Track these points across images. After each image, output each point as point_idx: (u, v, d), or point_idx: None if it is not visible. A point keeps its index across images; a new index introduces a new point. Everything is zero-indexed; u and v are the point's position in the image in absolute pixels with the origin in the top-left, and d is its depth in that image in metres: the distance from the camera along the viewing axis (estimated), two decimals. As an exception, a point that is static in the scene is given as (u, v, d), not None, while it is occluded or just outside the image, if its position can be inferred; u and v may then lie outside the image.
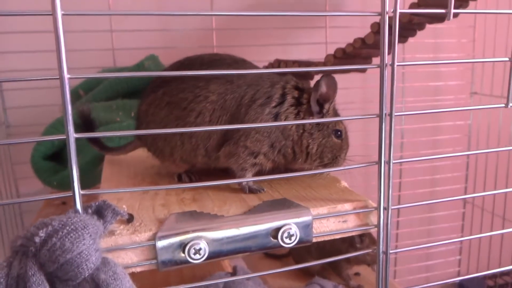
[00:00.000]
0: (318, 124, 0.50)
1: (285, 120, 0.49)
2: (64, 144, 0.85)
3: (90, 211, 0.35)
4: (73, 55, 1.15)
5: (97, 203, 0.35)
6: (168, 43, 1.14)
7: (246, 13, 0.41)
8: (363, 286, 0.92)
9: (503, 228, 1.45)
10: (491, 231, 1.48)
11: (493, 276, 1.61)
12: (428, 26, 0.63)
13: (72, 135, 0.34)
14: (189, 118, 0.49)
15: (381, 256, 0.43)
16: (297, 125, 0.49)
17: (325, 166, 0.50)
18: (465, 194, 1.54)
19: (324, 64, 0.76)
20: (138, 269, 0.37)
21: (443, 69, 1.44)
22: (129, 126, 0.78)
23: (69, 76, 0.33)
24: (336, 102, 0.52)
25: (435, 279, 1.57)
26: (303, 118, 0.49)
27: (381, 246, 0.43)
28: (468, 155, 1.51)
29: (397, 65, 0.40)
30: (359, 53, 0.73)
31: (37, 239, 0.31)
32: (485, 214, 1.47)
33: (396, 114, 0.40)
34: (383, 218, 0.42)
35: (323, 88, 0.49)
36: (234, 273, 0.65)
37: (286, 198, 0.43)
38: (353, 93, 1.34)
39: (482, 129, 1.45)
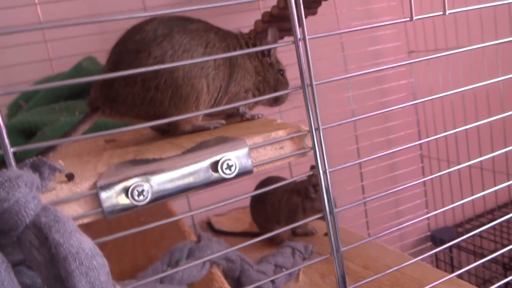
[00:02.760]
0: (270, 65, 0.63)
1: (250, 62, 0.61)
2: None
3: (25, 168, 0.36)
4: (9, 70, 1.13)
5: (31, 160, 0.36)
6: (106, 45, 1.14)
7: (178, 10, 0.42)
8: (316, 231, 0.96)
9: (460, 175, 1.52)
10: (450, 179, 1.55)
11: (461, 223, 1.68)
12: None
13: (9, 150, 0.34)
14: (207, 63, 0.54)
15: (322, 177, 0.45)
16: (262, 65, 0.62)
17: (276, 100, 0.66)
18: (420, 150, 1.61)
19: (255, 29, 0.78)
20: (85, 220, 0.38)
21: (379, 33, 1.50)
22: (74, 121, 0.78)
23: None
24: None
25: (407, 235, 1.63)
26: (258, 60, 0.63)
27: (320, 166, 0.45)
28: (416, 109, 1.57)
29: (309, 38, 0.43)
30: (285, 14, 0.76)
31: (-30, 195, 0.31)
32: (442, 163, 1.54)
33: (316, 83, 0.43)
34: (316, 139, 0.44)
35: (269, 37, 0.61)
36: (198, 240, 0.66)
37: (221, 135, 0.45)
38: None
39: (424, 85, 1.52)
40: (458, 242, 1.60)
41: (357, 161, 0.48)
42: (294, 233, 0.99)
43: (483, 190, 0.61)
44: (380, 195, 0.51)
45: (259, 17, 0.80)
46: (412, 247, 1.65)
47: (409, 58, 1.53)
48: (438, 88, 1.47)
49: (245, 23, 1.10)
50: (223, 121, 0.56)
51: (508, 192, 1.54)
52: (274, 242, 0.95)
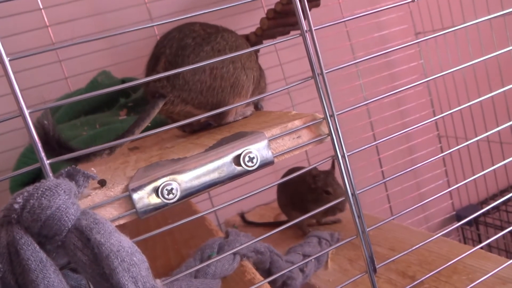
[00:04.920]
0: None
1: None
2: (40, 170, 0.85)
3: (61, 178, 0.38)
4: (29, 93, 1.17)
5: (66, 169, 0.38)
6: (116, 59, 1.18)
7: (183, 17, 0.45)
8: (340, 219, 0.97)
9: (480, 152, 1.51)
10: (470, 158, 1.54)
11: (485, 200, 1.67)
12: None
13: (46, 162, 0.37)
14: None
15: (341, 161, 0.46)
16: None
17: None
18: (437, 130, 1.60)
19: (261, 27, 0.80)
20: (121, 222, 0.40)
21: (384, 18, 1.50)
22: (97, 133, 0.81)
23: (29, 110, 0.36)
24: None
25: (433, 216, 1.63)
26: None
27: (338, 151, 0.46)
28: (429, 90, 1.57)
29: (315, 29, 0.44)
30: (289, 9, 0.77)
31: (16, 206, 0.34)
32: (460, 142, 1.53)
33: (326, 71, 0.44)
34: (332, 125, 0.46)
35: None
36: (226, 236, 0.68)
37: (240, 131, 0.47)
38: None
39: (435, 66, 1.52)
40: (485, 219, 1.59)
41: (374, 143, 0.49)
42: (319, 222, 1.00)
43: (505, 165, 0.62)
44: (400, 173, 0.52)
45: (263, 15, 0.81)
46: (438, 228, 1.64)
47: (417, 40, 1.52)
48: (448, 67, 1.46)
49: (250, 23, 1.12)
50: (254, 109, 0.60)
51: (531, 164, 1.53)
52: (299, 230, 0.97)
